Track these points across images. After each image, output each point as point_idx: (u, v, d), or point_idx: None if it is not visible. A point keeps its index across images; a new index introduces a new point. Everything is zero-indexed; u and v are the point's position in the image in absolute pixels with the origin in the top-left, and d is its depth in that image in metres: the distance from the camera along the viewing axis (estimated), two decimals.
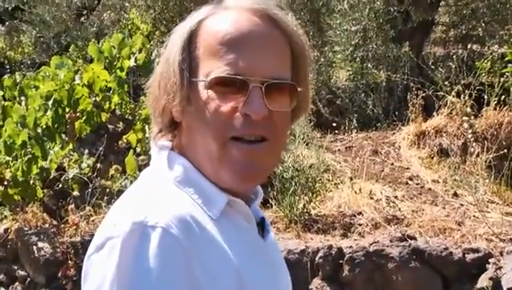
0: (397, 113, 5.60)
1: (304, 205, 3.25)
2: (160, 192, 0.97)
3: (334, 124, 5.68)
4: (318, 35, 6.00)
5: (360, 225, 3.11)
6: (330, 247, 2.78)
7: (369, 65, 5.53)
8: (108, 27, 7.86)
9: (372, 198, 4.31)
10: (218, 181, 0.98)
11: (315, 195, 4.35)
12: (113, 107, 4.34)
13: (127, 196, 0.99)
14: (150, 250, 0.84)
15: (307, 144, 4.82)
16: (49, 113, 4.00)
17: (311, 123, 5.59)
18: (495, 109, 5.34)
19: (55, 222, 4.01)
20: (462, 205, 4.11)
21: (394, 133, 5.36)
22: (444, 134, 5.10)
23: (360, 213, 3.30)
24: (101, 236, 0.90)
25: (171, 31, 1.07)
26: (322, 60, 5.79)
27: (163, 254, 0.85)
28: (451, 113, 5.21)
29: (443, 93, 5.18)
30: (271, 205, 3.75)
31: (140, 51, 4.45)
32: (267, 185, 3.57)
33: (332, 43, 5.87)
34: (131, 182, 4.18)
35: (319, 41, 5.96)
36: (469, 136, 4.96)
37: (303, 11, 6.00)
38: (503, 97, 5.32)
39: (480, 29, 6.69)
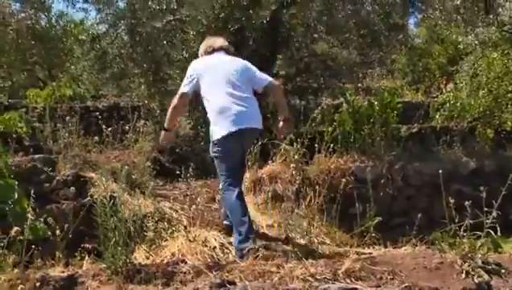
0: None
1: (127, 256, 3.17)
2: None
3: (177, 172, 5.69)
4: (159, 84, 6.04)
5: (182, 273, 3.09)
6: None
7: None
8: None
9: (206, 245, 4.34)
10: None
11: (149, 244, 4.31)
12: None
13: None
14: None
15: (143, 193, 4.76)
16: None
17: (154, 172, 5.55)
18: (325, 156, 5.72)
19: None
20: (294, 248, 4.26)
21: None
22: (279, 181, 5.33)
23: (183, 261, 3.28)
24: None
25: None
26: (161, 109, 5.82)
27: None
28: (285, 161, 5.47)
29: (278, 142, 5.43)
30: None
31: None
32: (96, 236, 3.43)
33: (172, 93, 5.94)
34: None
35: (160, 90, 6.00)
36: (301, 182, 5.24)
37: (144, 61, 6.02)
38: (332, 145, 5.72)
39: (314, 82, 7.18)
